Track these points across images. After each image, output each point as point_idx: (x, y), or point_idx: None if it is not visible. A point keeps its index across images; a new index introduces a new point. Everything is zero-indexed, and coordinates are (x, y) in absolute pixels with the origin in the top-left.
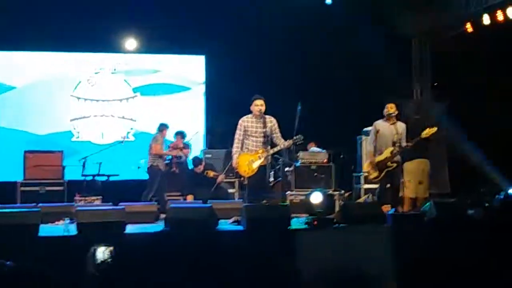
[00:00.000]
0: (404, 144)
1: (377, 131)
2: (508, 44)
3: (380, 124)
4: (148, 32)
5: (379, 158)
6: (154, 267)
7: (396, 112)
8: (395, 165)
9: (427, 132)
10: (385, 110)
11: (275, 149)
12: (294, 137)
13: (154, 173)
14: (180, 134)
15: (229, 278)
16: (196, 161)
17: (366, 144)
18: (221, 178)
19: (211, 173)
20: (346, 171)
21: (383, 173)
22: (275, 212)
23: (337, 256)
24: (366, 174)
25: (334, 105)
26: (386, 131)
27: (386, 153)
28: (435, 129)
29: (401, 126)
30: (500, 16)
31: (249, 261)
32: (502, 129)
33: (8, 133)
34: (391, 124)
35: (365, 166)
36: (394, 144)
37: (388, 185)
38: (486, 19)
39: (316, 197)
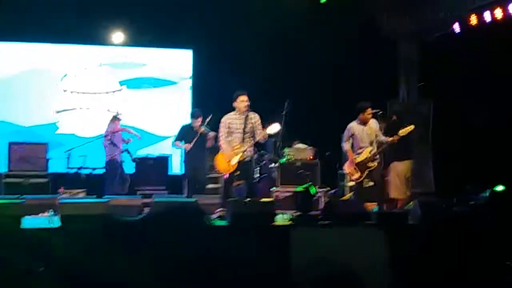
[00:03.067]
0: (382, 138)
1: (352, 134)
2: (495, 44)
3: (355, 127)
4: (135, 25)
5: (359, 159)
6: (134, 259)
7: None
8: (376, 164)
9: (405, 130)
10: (363, 115)
11: (252, 142)
12: (269, 127)
13: (115, 165)
14: (117, 119)
15: (212, 273)
16: (197, 112)
17: (343, 145)
18: (212, 134)
19: (201, 130)
20: (331, 168)
21: (364, 174)
22: (260, 207)
23: (321, 253)
24: (348, 174)
25: (320, 102)
26: (361, 133)
27: (366, 153)
28: (412, 127)
29: (373, 122)
30: (487, 16)
31: (232, 256)
32: (487, 129)
33: None
34: (364, 126)
35: (346, 166)
36: (371, 143)
37: (371, 183)
38: (473, 20)
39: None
